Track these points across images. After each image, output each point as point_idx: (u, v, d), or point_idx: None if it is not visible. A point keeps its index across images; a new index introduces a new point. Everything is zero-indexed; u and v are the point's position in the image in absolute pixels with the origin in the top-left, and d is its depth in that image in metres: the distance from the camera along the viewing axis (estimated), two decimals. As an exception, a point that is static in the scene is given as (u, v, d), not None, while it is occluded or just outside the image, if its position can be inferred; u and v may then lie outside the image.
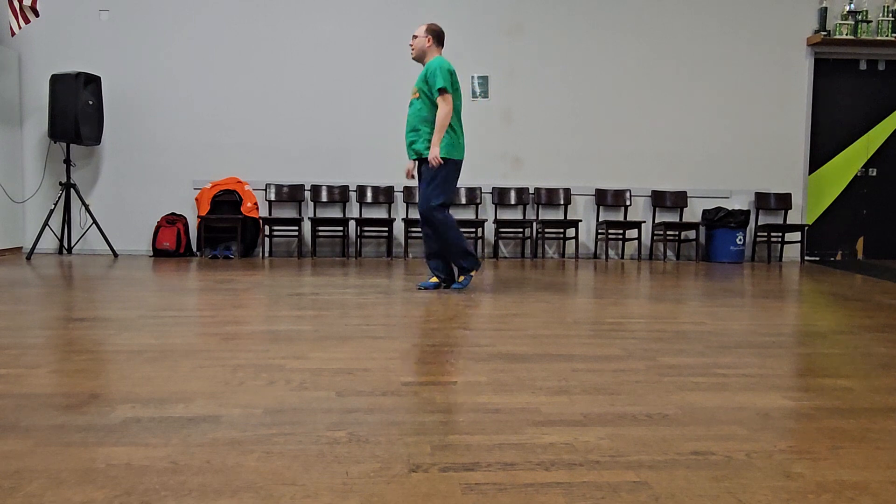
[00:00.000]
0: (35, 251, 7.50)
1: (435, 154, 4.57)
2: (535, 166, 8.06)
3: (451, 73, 4.63)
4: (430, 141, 4.64)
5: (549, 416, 1.99)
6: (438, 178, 4.63)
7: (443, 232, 4.67)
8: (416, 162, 4.81)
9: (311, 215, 7.84)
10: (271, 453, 1.66)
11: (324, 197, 7.82)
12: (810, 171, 8.37)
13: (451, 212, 7.93)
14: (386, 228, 7.85)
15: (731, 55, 8.13)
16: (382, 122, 7.85)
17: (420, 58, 4.79)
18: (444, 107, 4.57)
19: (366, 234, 7.86)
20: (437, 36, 4.75)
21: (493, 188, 7.98)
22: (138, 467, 1.56)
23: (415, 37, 4.76)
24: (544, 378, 2.41)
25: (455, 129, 4.68)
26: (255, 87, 7.78)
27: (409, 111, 4.77)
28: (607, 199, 8.07)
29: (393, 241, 7.84)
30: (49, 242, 7.62)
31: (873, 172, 8.47)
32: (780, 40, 8.16)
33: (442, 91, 4.56)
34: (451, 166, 4.66)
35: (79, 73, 7.05)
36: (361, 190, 7.84)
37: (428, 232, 4.75)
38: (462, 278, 4.85)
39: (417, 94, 4.69)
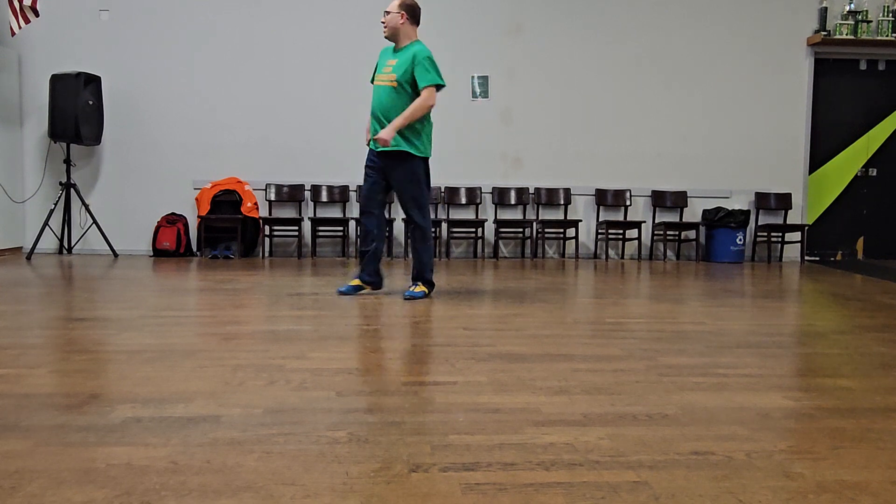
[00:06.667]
0: (35, 251, 7.49)
1: (391, 136, 4.18)
2: (535, 166, 8.06)
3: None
4: (406, 139, 4.27)
5: (549, 416, 1.99)
6: (421, 178, 4.35)
7: (427, 239, 4.41)
8: (382, 157, 4.38)
9: (311, 215, 7.84)
10: (271, 453, 1.66)
11: (324, 197, 7.82)
12: (810, 171, 8.37)
13: (450, 211, 7.96)
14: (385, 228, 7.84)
15: (732, 55, 8.13)
16: (382, 122, 7.84)
17: (393, 36, 4.31)
18: (429, 99, 4.19)
19: (366, 234, 7.86)
20: (411, 11, 4.30)
21: (493, 188, 7.97)
22: (138, 467, 1.56)
23: (387, 13, 4.28)
24: (544, 378, 2.41)
25: (430, 124, 4.38)
26: (255, 86, 7.78)
27: (382, 101, 4.29)
28: (607, 199, 8.07)
29: (393, 241, 7.83)
30: (49, 242, 7.62)
31: (873, 172, 8.46)
32: (780, 40, 8.15)
33: (436, 87, 4.23)
34: (424, 165, 4.39)
35: (79, 73, 7.05)
36: (361, 190, 7.83)
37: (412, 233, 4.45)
38: (419, 289, 4.44)
39: (395, 84, 4.25)
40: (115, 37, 7.65)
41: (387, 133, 4.20)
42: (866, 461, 1.67)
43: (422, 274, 4.46)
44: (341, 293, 4.54)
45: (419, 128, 4.32)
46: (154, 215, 7.72)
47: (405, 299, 4.34)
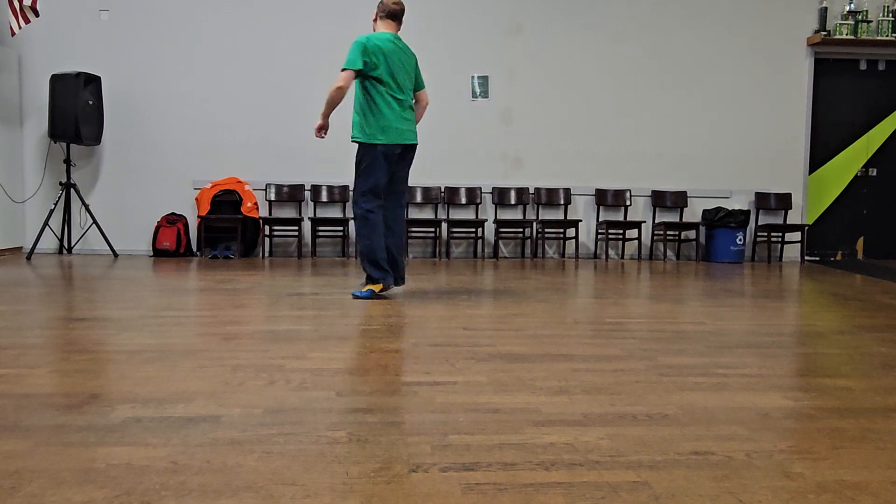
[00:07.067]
0: (35, 251, 7.49)
1: (318, 125, 4.41)
2: (535, 166, 8.06)
3: (370, 50, 4.16)
4: (358, 126, 4.30)
5: (549, 416, 1.99)
6: (362, 166, 4.28)
7: (359, 228, 4.28)
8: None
9: (311, 215, 7.84)
10: (271, 453, 1.66)
11: (324, 197, 7.82)
12: (810, 171, 8.37)
13: (450, 211, 7.95)
14: (386, 228, 7.84)
15: (732, 55, 8.13)
16: (382, 122, 7.83)
17: None
18: (336, 81, 4.18)
19: (366, 234, 7.86)
20: (380, 8, 4.35)
21: (493, 188, 7.97)
22: (138, 467, 1.56)
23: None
24: (544, 378, 2.41)
25: (377, 110, 4.24)
26: (255, 87, 7.78)
27: None
28: (607, 199, 8.07)
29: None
30: (49, 242, 7.62)
31: (873, 172, 8.46)
32: (780, 40, 8.15)
33: (345, 69, 4.18)
34: (370, 151, 4.25)
35: (79, 73, 7.05)
36: (361, 190, 7.83)
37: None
38: (366, 288, 4.32)
39: None
40: (115, 37, 7.65)
41: (318, 122, 4.45)
42: (866, 461, 1.67)
43: (363, 267, 4.35)
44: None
45: (365, 113, 4.28)
46: (154, 215, 7.72)
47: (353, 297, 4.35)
